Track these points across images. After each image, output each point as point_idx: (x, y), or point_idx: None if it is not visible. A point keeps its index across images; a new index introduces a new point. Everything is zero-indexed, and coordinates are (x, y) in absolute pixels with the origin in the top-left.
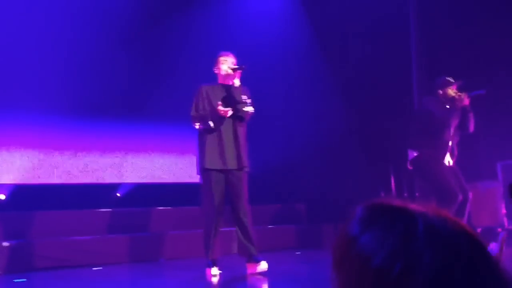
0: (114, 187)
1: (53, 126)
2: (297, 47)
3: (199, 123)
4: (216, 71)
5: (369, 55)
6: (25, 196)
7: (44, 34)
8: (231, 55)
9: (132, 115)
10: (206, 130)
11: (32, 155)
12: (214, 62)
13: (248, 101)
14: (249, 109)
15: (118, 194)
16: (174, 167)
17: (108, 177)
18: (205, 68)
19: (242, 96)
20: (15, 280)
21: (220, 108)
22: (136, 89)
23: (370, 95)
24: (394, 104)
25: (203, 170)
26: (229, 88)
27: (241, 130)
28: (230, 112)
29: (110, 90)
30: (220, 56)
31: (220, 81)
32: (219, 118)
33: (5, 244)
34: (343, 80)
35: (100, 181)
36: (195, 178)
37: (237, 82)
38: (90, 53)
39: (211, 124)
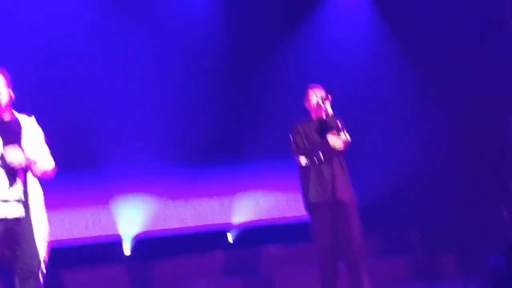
0: (224, 229)
1: (162, 173)
2: (394, 68)
3: (304, 158)
4: (306, 105)
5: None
6: (145, 245)
7: (148, 82)
8: (319, 86)
9: (231, 157)
10: (310, 164)
11: (147, 204)
12: (303, 96)
13: (343, 132)
14: (344, 137)
15: (229, 236)
16: (281, 204)
17: (218, 220)
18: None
19: (336, 124)
20: None
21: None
22: (236, 131)
23: (478, 112)
24: (505, 119)
25: (308, 204)
26: (322, 120)
27: (341, 160)
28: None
29: (211, 135)
30: (309, 89)
31: (312, 114)
32: (328, 153)
33: None
34: (449, 100)
35: (211, 224)
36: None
37: (329, 109)
38: (189, 99)
39: (321, 155)
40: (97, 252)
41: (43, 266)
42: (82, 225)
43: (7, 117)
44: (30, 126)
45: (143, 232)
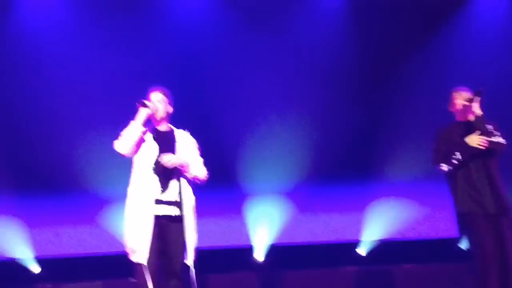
0: (355, 245)
1: (294, 187)
2: None
3: (445, 164)
4: (451, 109)
5: None
6: (275, 256)
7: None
8: (465, 88)
9: (363, 172)
10: (453, 169)
11: (280, 217)
12: (447, 100)
13: (497, 133)
14: (500, 139)
15: (360, 252)
16: (416, 221)
17: (349, 235)
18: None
19: (487, 126)
20: None
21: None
22: (368, 144)
23: None
24: None
25: (459, 215)
26: (469, 123)
27: (494, 167)
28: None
29: (342, 149)
30: (454, 91)
31: (458, 118)
32: (468, 154)
33: None
34: None
35: (341, 239)
36: (441, 232)
37: (478, 110)
38: (320, 113)
39: (458, 155)
40: (231, 258)
41: (192, 267)
42: (218, 233)
43: (163, 128)
44: (185, 139)
45: (275, 243)
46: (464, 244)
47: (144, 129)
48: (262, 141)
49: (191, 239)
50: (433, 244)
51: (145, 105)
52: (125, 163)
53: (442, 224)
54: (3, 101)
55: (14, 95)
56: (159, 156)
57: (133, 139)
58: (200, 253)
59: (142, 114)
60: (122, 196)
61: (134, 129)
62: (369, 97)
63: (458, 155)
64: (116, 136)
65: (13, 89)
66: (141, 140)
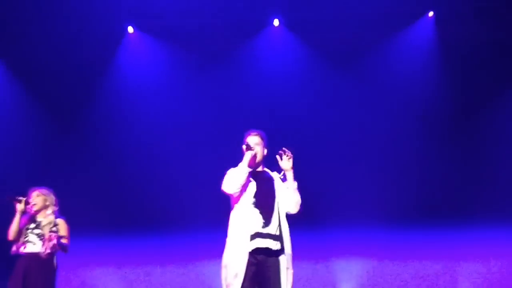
0: None
1: (381, 234)
2: None
3: None
4: None
5: None
6: None
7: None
8: None
9: (457, 216)
10: None
11: (366, 263)
12: None
13: None
14: None
15: None
16: None
17: (441, 284)
18: None
19: None
20: None
21: None
22: (459, 186)
23: None
24: None
25: None
26: None
27: None
28: None
29: (432, 190)
30: None
31: None
32: None
33: None
34: None
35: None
36: None
37: None
38: (408, 152)
39: None
40: None
41: None
42: (302, 279)
43: (260, 169)
44: (278, 179)
45: None
46: None
47: (250, 169)
48: (347, 184)
49: (289, 274)
50: None
51: (250, 148)
52: (213, 206)
53: None
54: (107, 146)
55: (118, 141)
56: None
57: (241, 179)
58: None
59: (248, 156)
60: (214, 238)
61: (242, 170)
62: (461, 135)
63: None
64: (213, 180)
65: (117, 135)
66: (248, 180)
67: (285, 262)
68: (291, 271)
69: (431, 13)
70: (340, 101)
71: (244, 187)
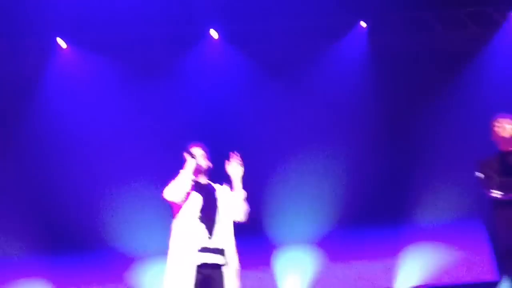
0: None
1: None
2: None
3: (500, 192)
4: (495, 138)
5: None
6: None
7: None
8: (506, 115)
9: (394, 216)
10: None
11: (309, 266)
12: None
13: None
14: None
15: None
16: (452, 265)
17: (381, 283)
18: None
19: None
20: None
21: None
22: (398, 188)
23: None
24: None
25: (502, 250)
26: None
27: None
28: None
29: (372, 194)
30: (495, 120)
31: (501, 147)
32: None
33: None
34: None
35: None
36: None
37: None
38: (346, 156)
39: None
40: None
41: None
42: (248, 285)
43: (203, 181)
44: (223, 191)
45: None
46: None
47: (194, 177)
48: (288, 189)
49: (233, 285)
50: None
51: (193, 156)
52: (150, 221)
53: (478, 267)
54: (33, 160)
55: (45, 155)
56: (203, 206)
57: (186, 185)
58: None
59: (191, 164)
60: (151, 253)
61: (185, 178)
62: (399, 140)
63: None
64: (147, 196)
65: (43, 148)
66: (192, 190)
67: (230, 275)
68: (237, 284)
69: (364, 24)
70: (278, 110)
71: (189, 199)
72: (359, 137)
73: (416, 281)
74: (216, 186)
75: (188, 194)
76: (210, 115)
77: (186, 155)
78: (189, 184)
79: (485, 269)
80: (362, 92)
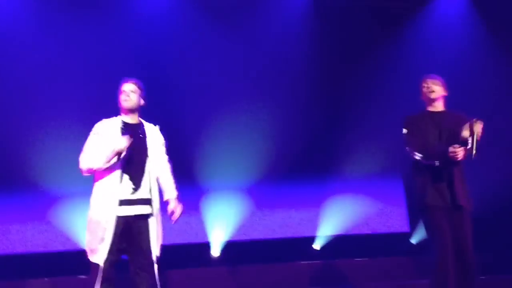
0: (310, 240)
1: (252, 186)
2: (500, 76)
3: (419, 154)
4: (423, 98)
5: None
6: (235, 251)
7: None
8: (434, 76)
9: (321, 169)
10: (426, 164)
11: (237, 214)
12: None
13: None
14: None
15: (316, 247)
16: (369, 216)
17: (304, 231)
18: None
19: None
20: None
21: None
22: (325, 141)
23: None
24: None
25: (425, 206)
26: (438, 114)
27: (460, 165)
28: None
29: (301, 146)
30: (423, 79)
31: (429, 108)
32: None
33: None
34: None
35: (297, 235)
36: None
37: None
38: (276, 107)
39: (437, 163)
40: (188, 254)
41: (155, 263)
42: (176, 230)
43: (133, 120)
44: (154, 134)
45: (232, 239)
46: (414, 239)
47: (108, 165)
48: (221, 139)
49: (158, 235)
50: (385, 238)
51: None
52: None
53: (394, 220)
54: None
55: None
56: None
57: (107, 163)
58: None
59: (112, 153)
60: (75, 194)
61: (108, 159)
62: (327, 96)
63: (437, 163)
64: (73, 131)
65: None
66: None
67: (154, 223)
68: (160, 230)
69: None
70: (216, 55)
71: (110, 142)
72: (293, 90)
73: (338, 230)
74: (149, 127)
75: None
76: (147, 55)
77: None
78: (110, 163)
79: (400, 222)
80: (300, 47)
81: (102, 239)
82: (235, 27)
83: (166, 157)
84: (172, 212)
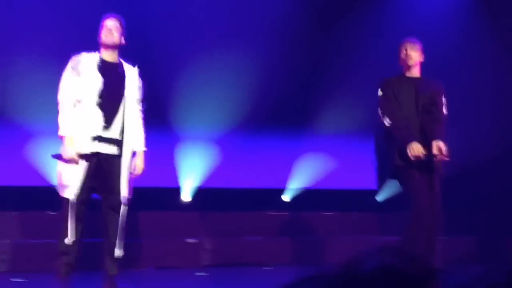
0: (281, 191)
1: (227, 135)
2: (479, 47)
3: (390, 121)
4: (401, 62)
5: None
6: (205, 198)
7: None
8: (413, 39)
9: (297, 123)
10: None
11: (210, 161)
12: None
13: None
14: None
15: (286, 198)
16: (340, 172)
17: (276, 182)
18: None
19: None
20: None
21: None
22: (301, 95)
23: None
24: None
25: (402, 167)
26: (415, 79)
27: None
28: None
29: (278, 99)
30: (402, 43)
31: (406, 72)
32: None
33: (189, 240)
34: None
35: (269, 186)
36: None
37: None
38: (254, 59)
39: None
40: (159, 198)
41: (125, 204)
42: (147, 173)
43: (112, 58)
44: (133, 76)
45: (202, 185)
46: (380, 196)
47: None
48: (197, 85)
49: (127, 175)
50: (353, 194)
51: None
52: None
53: (363, 176)
54: None
55: None
56: (103, 89)
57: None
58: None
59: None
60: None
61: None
62: (307, 52)
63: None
64: (51, 65)
65: None
66: (99, 71)
67: (126, 163)
68: (130, 174)
69: None
70: (197, 2)
71: (90, 79)
72: (273, 43)
73: (307, 184)
74: (128, 68)
75: (91, 79)
76: None
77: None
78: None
79: (369, 179)
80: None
81: (74, 174)
82: None
83: (139, 107)
84: (134, 168)
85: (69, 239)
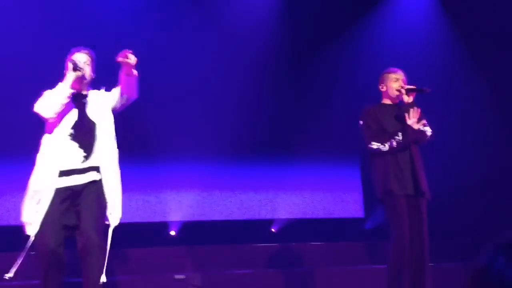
0: (268, 222)
1: (212, 167)
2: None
3: (376, 143)
4: (382, 89)
5: None
6: (190, 232)
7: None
8: (396, 69)
9: (281, 154)
10: (389, 149)
11: (196, 194)
12: (377, 80)
13: (424, 121)
14: (427, 129)
15: (273, 230)
16: (325, 202)
17: (263, 213)
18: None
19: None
20: None
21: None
22: (286, 125)
23: None
24: None
25: (385, 194)
26: (396, 106)
27: (418, 153)
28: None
29: (262, 130)
30: (385, 72)
31: (386, 99)
32: (407, 140)
33: (178, 276)
34: None
35: (255, 217)
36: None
37: (409, 99)
38: (239, 90)
39: (400, 136)
40: (145, 233)
41: (110, 232)
42: (133, 208)
43: (84, 92)
44: (99, 98)
45: (190, 220)
46: (368, 224)
47: (72, 91)
48: (181, 120)
49: (115, 198)
50: (341, 223)
51: (77, 68)
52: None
53: (350, 205)
54: None
55: None
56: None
57: (60, 102)
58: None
59: (72, 76)
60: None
61: (63, 92)
62: (291, 82)
63: (399, 136)
64: (18, 97)
65: None
66: (68, 106)
67: (106, 188)
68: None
69: None
70: (176, 31)
71: (62, 113)
72: (257, 75)
73: (295, 213)
74: (92, 93)
75: (64, 111)
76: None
77: (70, 65)
78: (65, 100)
79: (356, 207)
80: (267, 29)
81: (38, 210)
82: (205, 8)
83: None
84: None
85: None
